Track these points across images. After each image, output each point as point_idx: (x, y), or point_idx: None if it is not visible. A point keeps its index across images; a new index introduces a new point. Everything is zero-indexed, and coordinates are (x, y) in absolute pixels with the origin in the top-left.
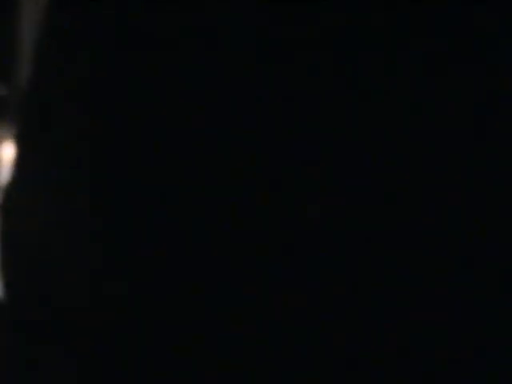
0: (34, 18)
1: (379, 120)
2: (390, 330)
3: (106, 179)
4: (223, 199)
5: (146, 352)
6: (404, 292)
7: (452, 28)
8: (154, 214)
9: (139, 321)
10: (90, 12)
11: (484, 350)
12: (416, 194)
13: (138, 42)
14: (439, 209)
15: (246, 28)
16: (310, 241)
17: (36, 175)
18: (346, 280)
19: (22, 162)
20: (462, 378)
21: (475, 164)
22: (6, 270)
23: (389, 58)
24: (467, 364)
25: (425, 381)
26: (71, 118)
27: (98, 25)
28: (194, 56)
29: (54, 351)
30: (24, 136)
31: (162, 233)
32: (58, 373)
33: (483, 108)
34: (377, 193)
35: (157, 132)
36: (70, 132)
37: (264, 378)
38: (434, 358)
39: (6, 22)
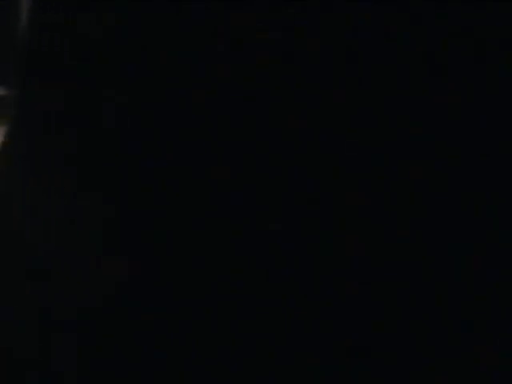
0: None
1: (374, 124)
2: (389, 333)
3: (106, 173)
4: (219, 198)
5: (143, 350)
6: (401, 294)
7: (452, 27)
8: (149, 212)
9: (138, 313)
10: (88, 13)
11: (484, 352)
12: (413, 195)
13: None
14: (436, 210)
15: (245, 29)
16: (307, 242)
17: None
18: (345, 280)
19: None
20: (463, 377)
21: (475, 165)
22: None
23: (389, 57)
24: (468, 364)
25: (424, 379)
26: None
27: (98, 26)
28: (194, 57)
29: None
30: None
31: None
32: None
33: (483, 108)
34: (376, 196)
35: (153, 131)
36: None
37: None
38: (435, 358)
39: (6, 22)
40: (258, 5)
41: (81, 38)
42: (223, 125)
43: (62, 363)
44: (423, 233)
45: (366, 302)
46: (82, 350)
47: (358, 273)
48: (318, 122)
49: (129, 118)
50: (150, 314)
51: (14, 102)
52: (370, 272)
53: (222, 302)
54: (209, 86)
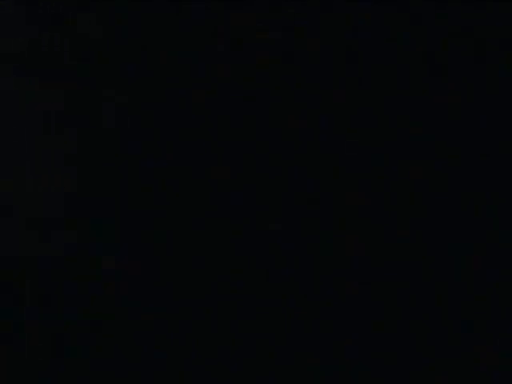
0: None
1: (375, 121)
2: (389, 333)
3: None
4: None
5: (143, 350)
6: (401, 294)
7: (452, 27)
8: (148, 209)
9: (138, 313)
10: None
11: (485, 352)
12: (411, 196)
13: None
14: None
15: (245, 30)
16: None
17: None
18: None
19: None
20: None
21: (475, 164)
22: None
23: (389, 59)
24: (468, 363)
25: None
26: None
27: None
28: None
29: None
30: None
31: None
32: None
33: (483, 108)
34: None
35: (152, 131)
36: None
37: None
38: (435, 358)
39: None
40: (258, 5)
41: (81, 38)
42: (223, 125)
43: (61, 362)
44: (423, 233)
45: (366, 301)
46: (82, 349)
47: (358, 273)
48: (318, 121)
49: (129, 118)
50: (150, 314)
51: (14, 102)
52: (370, 272)
53: (222, 302)
54: (209, 85)
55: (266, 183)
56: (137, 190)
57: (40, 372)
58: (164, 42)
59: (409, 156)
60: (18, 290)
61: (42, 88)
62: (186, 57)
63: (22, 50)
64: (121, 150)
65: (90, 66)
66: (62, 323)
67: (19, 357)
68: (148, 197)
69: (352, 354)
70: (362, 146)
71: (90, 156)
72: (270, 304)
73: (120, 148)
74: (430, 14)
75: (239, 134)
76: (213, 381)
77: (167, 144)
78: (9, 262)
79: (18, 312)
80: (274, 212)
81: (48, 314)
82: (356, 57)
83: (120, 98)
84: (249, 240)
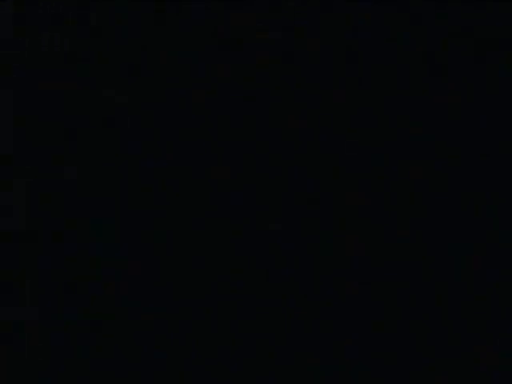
0: None
1: (375, 123)
2: (389, 333)
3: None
4: (219, 197)
5: (143, 350)
6: (401, 294)
7: (452, 28)
8: (149, 209)
9: (138, 313)
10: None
11: (485, 351)
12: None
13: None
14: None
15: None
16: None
17: None
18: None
19: None
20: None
21: (475, 165)
22: None
23: (389, 59)
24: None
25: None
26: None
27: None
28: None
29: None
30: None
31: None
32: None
33: (483, 108)
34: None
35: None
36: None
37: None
38: (435, 358)
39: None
40: (258, 5)
41: (81, 39)
42: (223, 125)
43: (61, 362)
44: (423, 233)
45: (366, 301)
46: (82, 349)
47: (358, 273)
48: (318, 121)
49: (129, 118)
50: (150, 314)
51: (14, 101)
52: (370, 272)
53: (222, 302)
54: (209, 85)
55: (266, 183)
56: (137, 189)
57: (40, 372)
58: (164, 41)
59: (409, 156)
60: (18, 290)
61: (42, 88)
62: (185, 57)
63: (23, 50)
64: (121, 150)
65: (90, 66)
66: (61, 323)
67: (19, 357)
68: (148, 197)
69: (352, 353)
70: (362, 146)
71: (90, 156)
72: (270, 304)
73: (120, 148)
74: (429, 13)
75: (239, 133)
76: (213, 381)
77: (167, 144)
78: (9, 262)
79: (17, 312)
80: (274, 212)
81: (48, 314)
82: (356, 57)
83: (120, 97)
84: (249, 240)
